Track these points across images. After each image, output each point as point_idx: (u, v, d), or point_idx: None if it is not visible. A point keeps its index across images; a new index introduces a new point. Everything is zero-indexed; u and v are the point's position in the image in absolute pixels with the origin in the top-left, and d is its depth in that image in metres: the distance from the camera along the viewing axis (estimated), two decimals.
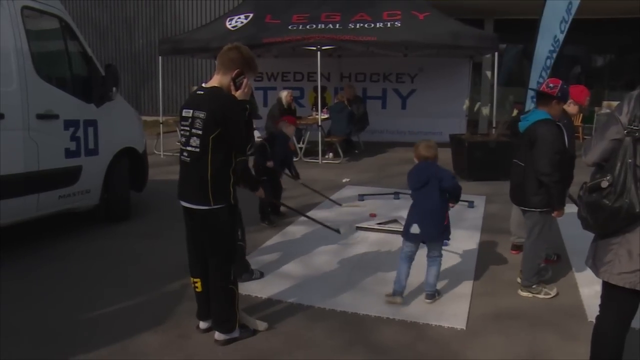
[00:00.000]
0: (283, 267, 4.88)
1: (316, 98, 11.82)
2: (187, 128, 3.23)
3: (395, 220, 6.25)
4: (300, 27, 9.91)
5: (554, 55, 11.06)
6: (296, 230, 6.02)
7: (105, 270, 4.80)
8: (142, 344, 3.48)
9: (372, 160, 10.80)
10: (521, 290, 4.34)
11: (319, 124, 10.28)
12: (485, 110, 10.12)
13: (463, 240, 5.71)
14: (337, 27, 9.84)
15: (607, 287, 2.79)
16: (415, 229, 4.18)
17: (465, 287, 4.48)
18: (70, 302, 4.10)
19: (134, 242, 5.56)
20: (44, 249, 5.28)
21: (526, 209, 4.26)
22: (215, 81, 3.28)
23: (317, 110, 10.81)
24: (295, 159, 8.24)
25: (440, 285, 4.48)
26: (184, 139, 3.27)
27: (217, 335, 3.43)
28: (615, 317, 2.83)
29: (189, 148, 3.23)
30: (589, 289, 4.44)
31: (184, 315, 3.84)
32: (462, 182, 8.66)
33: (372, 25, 9.75)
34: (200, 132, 3.17)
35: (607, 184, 2.51)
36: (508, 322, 3.91)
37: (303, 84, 12.93)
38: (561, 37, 10.89)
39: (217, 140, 3.16)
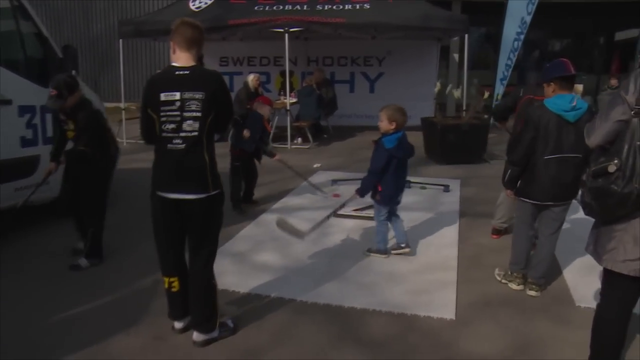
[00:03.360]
0: (260, 258, 4.65)
1: (283, 82, 11.54)
2: (177, 112, 2.94)
3: (371, 207, 6.06)
4: (267, 9, 9.59)
5: (522, 37, 11.04)
6: (271, 218, 5.76)
7: (69, 269, 4.43)
8: (116, 349, 3.21)
9: (341, 145, 10.61)
10: (535, 290, 4.04)
11: (288, 108, 10.01)
12: (457, 93, 10.01)
13: (443, 225, 5.60)
14: (305, 8, 9.56)
15: (609, 274, 2.67)
16: (400, 196, 4.70)
17: (450, 275, 4.34)
18: (31, 306, 3.77)
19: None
20: None
21: (566, 202, 3.93)
22: (189, 59, 3.00)
23: (284, 95, 10.53)
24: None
25: (424, 273, 4.35)
26: (173, 125, 2.94)
27: (196, 336, 3.18)
28: (617, 304, 2.72)
29: (183, 134, 2.93)
30: (572, 274, 4.38)
31: (158, 314, 3.57)
32: (435, 166, 8.73)
33: (341, 7, 9.51)
34: (199, 114, 2.92)
35: (615, 168, 2.37)
36: (497, 309, 3.79)
37: (269, 69, 12.59)
38: (528, 19, 10.86)
39: (212, 122, 2.97)
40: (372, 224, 5.49)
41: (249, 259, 4.61)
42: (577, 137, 3.67)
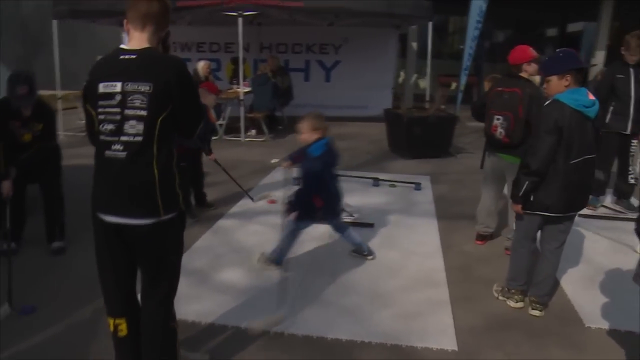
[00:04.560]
0: (222, 277, 3.99)
1: (235, 70, 10.79)
2: (117, 109, 2.22)
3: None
4: None
5: (480, 26, 10.74)
6: (229, 225, 5.11)
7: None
8: None
9: (298, 137, 9.97)
10: (538, 310, 3.57)
11: (241, 98, 9.29)
12: (423, 83, 9.55)
13: (421, 230, 5.10)
14: None
15: None
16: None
17: (441, 292, 3.82)
18: None
19: (28, 253, 4.37)
20: None
21: (577, 211, 3.47)
22: (142, 41, 2.30)
23: (237, 83, 9.79)
24: (214, 138, 7.28)
25: (412, 291, 3.82)
26: (112, 126, 2.23)
27: None
28: None
29: (124, 138, 2.22)
30: (572, 287, 3.96)
31: (103, 354, 2.90)
32: (402, 161, 8.26)
33: None
34: (144, 112, 2.20)
35: None
36: (502, 335, 3.30)
37: (220, 55, 11.77)
38: (484, 6, 10.57)
39: (166, 123, 2.24)
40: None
41: (209, 278, 3.94)
42: (593, 135, 3.29)
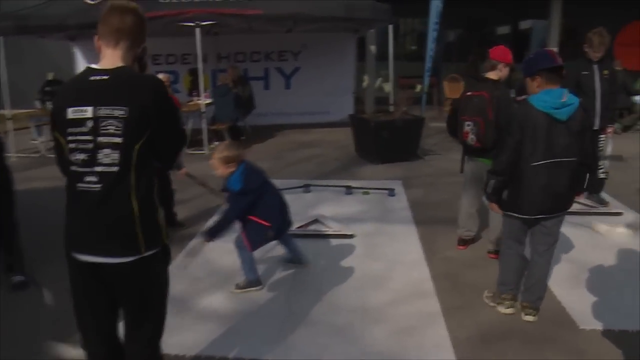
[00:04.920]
0: (202, 302, 3.78)
1: (193, 82, 10.54)
2: (88, 137, 2.00)
3: (316, 220, 5.36)
4: (174, 0, 8.53)
5: (437, 27, 10.80)
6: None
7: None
8: None
9: (263, 147, 9.78)
10: (532, 315, 3.49)
11: (203, 110, 9.05)
12: (387, 87, 9.51)
13: (401, 237, 4.99)
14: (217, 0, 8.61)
15: None
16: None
17: (432, 303, 3.71)
18: None
19: None
20: None
21: (559, 214, 3.37)
22: (115, 59, 2.08)
23: (197, 95, 9.54)
24: None
25: (402, 303, 3.70)
26: (84, 155, 2.02)
27: None
28: None
29: (98, 168, 2.00)
30: (560, 288, 3.92)
31: None
32: (371, 166, 8.17)
33: None
34: (119, 139, 1.99)
35: None
36: (499, 344, 3.22)
37: (177, 67, 11.44)
38: (441, 6, 10.64)
39: (144, 150, 2.03)
40: (321, 242, 4.82)
41: (189, 305, 3.72)
42: (571, 137, 3.18)
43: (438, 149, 9.11)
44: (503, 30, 16.47)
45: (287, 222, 3.99)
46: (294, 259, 4.27)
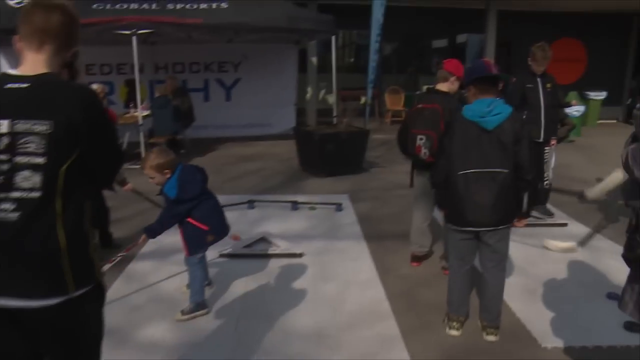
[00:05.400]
0: (145, 334, 3.44)
1: (129, 93, 10.05)
2: (4, 156, 1.67)
3: (262, 239, 5.12)
4: (109, 7, 8.09)
5: (379, 39, 10.83)
6: (143, 268, 4.53)
7: None
8: None
9: (204, 161, 9.39)
10: (492, 334, 3.37)
11: (141, 122, 8.63)
12: (331, 99, 9.39)
13: (353, 256, 4.81)
14: (154, 7, 8.23)
15: None
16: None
17: (390, 325, 3.54)
18: None
19: None
20: None
21: (500, 227, 3.20)
22: (38, 64, 1.77)
23: (134, 107, 9.09)
24: None
25: (359, 327, 3.51)
26: None
27: None
28: None
29: (15, 194, 1.67)
30: (516, 303, 3.85)
31: None
32: (316, 180, 7.99)
33: (195, 5, 8.33)
34: (41, 159, 1.66)
35: None
36: None
37: (112, 78, 10.87)
38: (382, 20, 10.68)
39: (72, 172, 1.71)
40: (268, 262, 4.58)
41: (129, 338, 3.38)
42: (501, 148, 3.10)
43: (383, 162, 9.06)
44: (440, 43, 16.77)
45: (225, 226, 3.75)
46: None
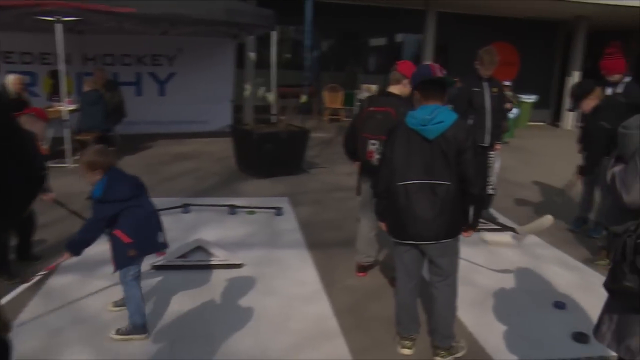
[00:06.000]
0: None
1: (54, 85, 9.34)
2: None
3: (199, 248, 4.79)
4: None
5: (310, 36, 10.65)
6: (64, 284, 4.06)
7: None
8: None
9: (136, 159, 8.89)
10: (443, 356, 3.19)
11: (66, 117, 8.02)
12: (270, 97, 9.09)
13: (296, 266, 4.56)
14: None
15: None
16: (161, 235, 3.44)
17: (339, 345, 3.33)
18: None
19: None
20: None
21: (443, 241, 3.01)
22: None
23: (58, 101, 8.45)
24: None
25: (305, 348, 3.27)
26: None
27: None
28: None
29: None
30: (469, 316, 3.72)
31: None
32: (254, 181, 7.68)
33: None
34: None
35: None
36: None
37: (34, 68, 10.05)
38: (310, 16, 10.49)
39: None
40: (206, 273, 4.27)
41: None
42: (443, 158, 2.90)
43: (322, 162, 8.86)
44: (379, 42, 16.78)
45: (154, 242, 3.36)
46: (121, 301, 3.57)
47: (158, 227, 3.39)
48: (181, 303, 3.78)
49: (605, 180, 5.10)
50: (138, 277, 3.32)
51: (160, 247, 3.41)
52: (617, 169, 1.73)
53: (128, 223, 3.21)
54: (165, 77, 11.27)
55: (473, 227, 3.16)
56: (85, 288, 3.95)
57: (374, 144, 3.90)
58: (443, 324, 3.18)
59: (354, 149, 4.20)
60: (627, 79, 5.65)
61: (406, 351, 3.26)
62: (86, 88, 8.57)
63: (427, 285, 3.39)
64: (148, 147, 9.85)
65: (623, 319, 1.83)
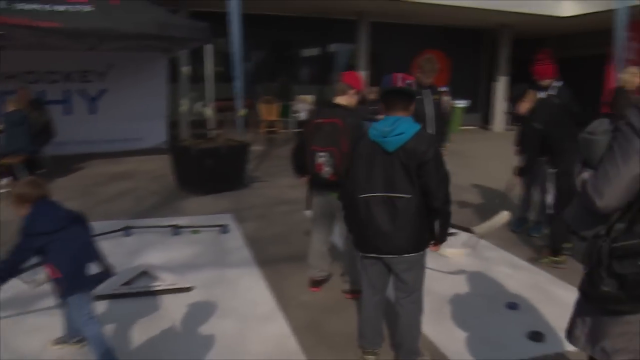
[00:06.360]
0: None
1: None
2: None
3: (144, 273, 4.56)
4: None
5: (240, 47, 10.46)
6: None
7: None
8: None
9: (69, 182, 8.45)
10: None
11: None
12: (208, 112, 8.87)
13: (247, 285, 4.42)
14: (1, 6, 7.16)
15: None
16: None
17: None
18: None
19: None
20: None
21: (410, 255, 2.94)
22: None
23: None
24: None
25: None
26: None
27: None
28: None
29: None
30: (428, 325, 3.64)
31: None
32: (195, 199, 7.44)
33: (52, 7, 7.38)
34: None
35: None
36: None
37: None
38: (237, 28, 10.31)
39: None
40: (155, 300, 4.06)
41: None
42: (403, 171, 2.83)
43: (263, 175, 8.74)
44: (311, 52, 16.84)
45: (84, 278, 3.03)
46: (70, 334, 3.33)
47: (94, 258, 3.14)
48: (130, 334, 3.56)
49: (543, 180, 5.28)
50: (89, 312, 3.06)
51: (97, 279, 3.15)
52: (587, 175, 1.73)
53: (57, 257, 2.96)
54: (96, 94, 10.86)
55: (440, 241, 3.09)
56: (18, 327, 3.65)
57: (322, 157, 3.83)
58: (408, 339, 3.13)
59: (302, 163, 4.13)
60: (558, 83, 5.87)
61: None
62: (9, 108, 8.06)
63: (391, 300, 3.33)
64: (81, 167, 9.42)
65: (596, 321, 1.84)
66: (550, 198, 5.10)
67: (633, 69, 7.07)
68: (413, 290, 3.07)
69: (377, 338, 3.23)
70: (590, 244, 1.71)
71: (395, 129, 2.82)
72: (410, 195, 2.83)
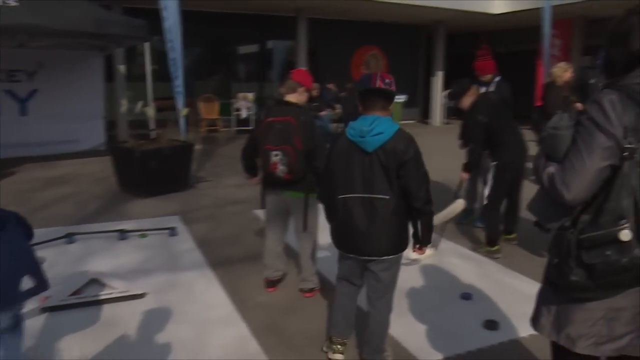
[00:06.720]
0: None
1: None
2: None
3: (93, 281, 4.39)
4: None
5: (173, 45, 10.24)
6: None
7: None
8: None
9: (1, 188, 8.02)
10: None
11: None
12: (150, 111, 8.63)
13: (202, 289, 4.34)
14: None
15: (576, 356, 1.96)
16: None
17: None
18: None
19: None
20: None
21: (389, 257, 2.95)
22: None
23: None
24: None
25: None
26: None
27: None
28: None
29: None
30: (393, 327, 3.72)
31: None
32: (139, 201, 7.23)
33: None
34: None
35: (630, 234, 1.66)
36: None
37: None
38: (173, 26, 10.09)
39: None
40: (107, 308, 3.92)
41: None
42: (383, 171, 2.82)
43: (208, 175, 8.61)
44: (249, 49, 16.70)
45: (9, 294, 2.45)
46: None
47: (27, 269, 2.84)
48: (83, 346, 3.41)
49: (485, 172, 5.45)
50: (15, 329, 2.54)
51: (28, 294, 2.85)
52: (553, 169, 1.79)
53: None
54: (26, 95, 10.35)
55: (424, 243, 3.08)
56: None
57: (276, 155, 3.79)
58: (376, 340, 3.13)
59: (253, 163, 4.09)
60: (498, 79, 6.07)
61: (338, 356, 3.20)
62: None
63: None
64: (13, 172, 8.94)
65: (561, 309, 1.91)
66: (487, 190, 5.29)
67: (563, 65, 7.42)
68: (387, 292, 3.08)
69: (348, 328, 3.24)
70: (557, 236, 1.78)
71: (374, 128, 2.78)
72: (388, 196, 2.82)
